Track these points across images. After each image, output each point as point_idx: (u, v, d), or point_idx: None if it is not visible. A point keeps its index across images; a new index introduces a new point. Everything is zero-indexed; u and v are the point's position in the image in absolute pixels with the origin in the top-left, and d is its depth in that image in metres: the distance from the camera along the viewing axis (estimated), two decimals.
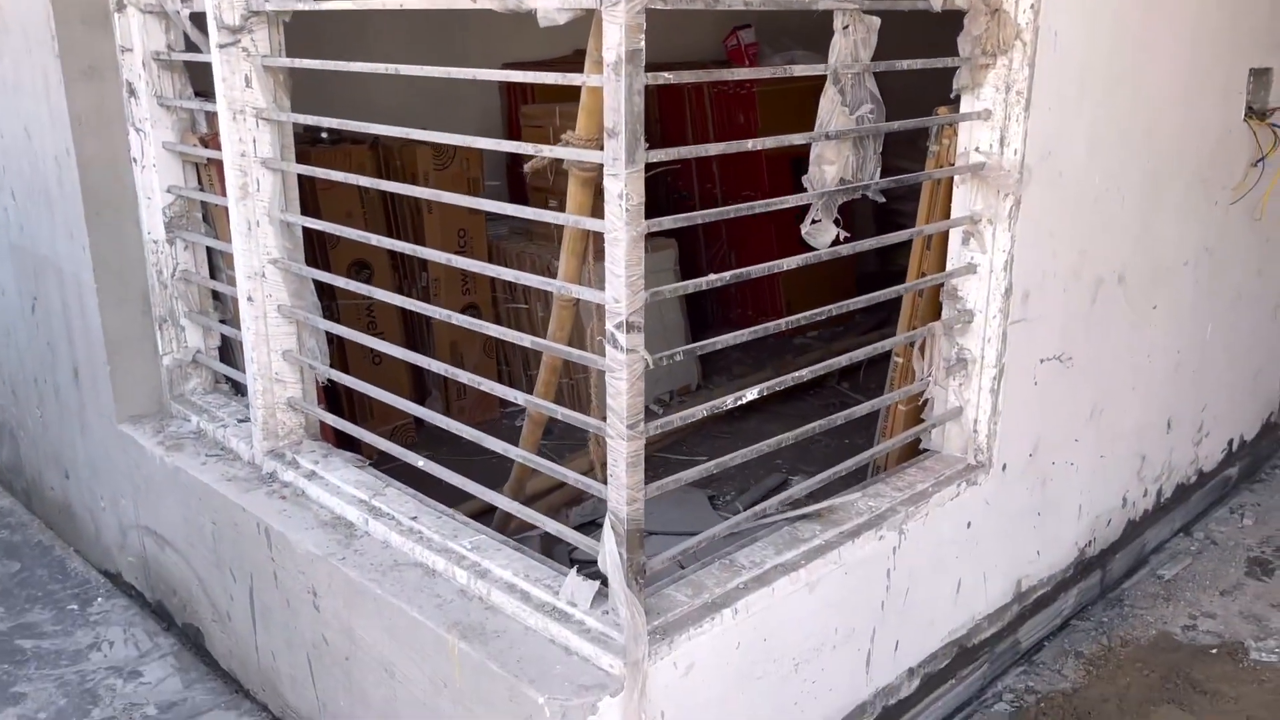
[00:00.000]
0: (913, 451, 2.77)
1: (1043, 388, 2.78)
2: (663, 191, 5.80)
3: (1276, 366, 4.21)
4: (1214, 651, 2.96)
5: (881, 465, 2.82)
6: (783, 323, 2.11)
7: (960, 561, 2.67)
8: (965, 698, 2.75)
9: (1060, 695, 2.78)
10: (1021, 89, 2.41)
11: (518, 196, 4.97)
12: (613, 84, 1.69)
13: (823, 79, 2.18)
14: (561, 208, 2.43)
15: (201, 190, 2.98)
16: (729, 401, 2.06)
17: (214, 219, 3.00)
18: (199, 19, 2.60)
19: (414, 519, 2.35)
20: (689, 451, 4.19)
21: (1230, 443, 3.93)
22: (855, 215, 2.34)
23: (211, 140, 2.81)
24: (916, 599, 2.54)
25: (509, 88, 5.30)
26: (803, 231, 2.24)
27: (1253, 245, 3.69)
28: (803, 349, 5.16)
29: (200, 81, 2.84)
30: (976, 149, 2.49)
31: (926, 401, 2.72)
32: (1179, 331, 3.38)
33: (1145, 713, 2.69)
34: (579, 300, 2.47)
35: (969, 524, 2.65)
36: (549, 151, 1.90)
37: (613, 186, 1.73)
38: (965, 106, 2.49)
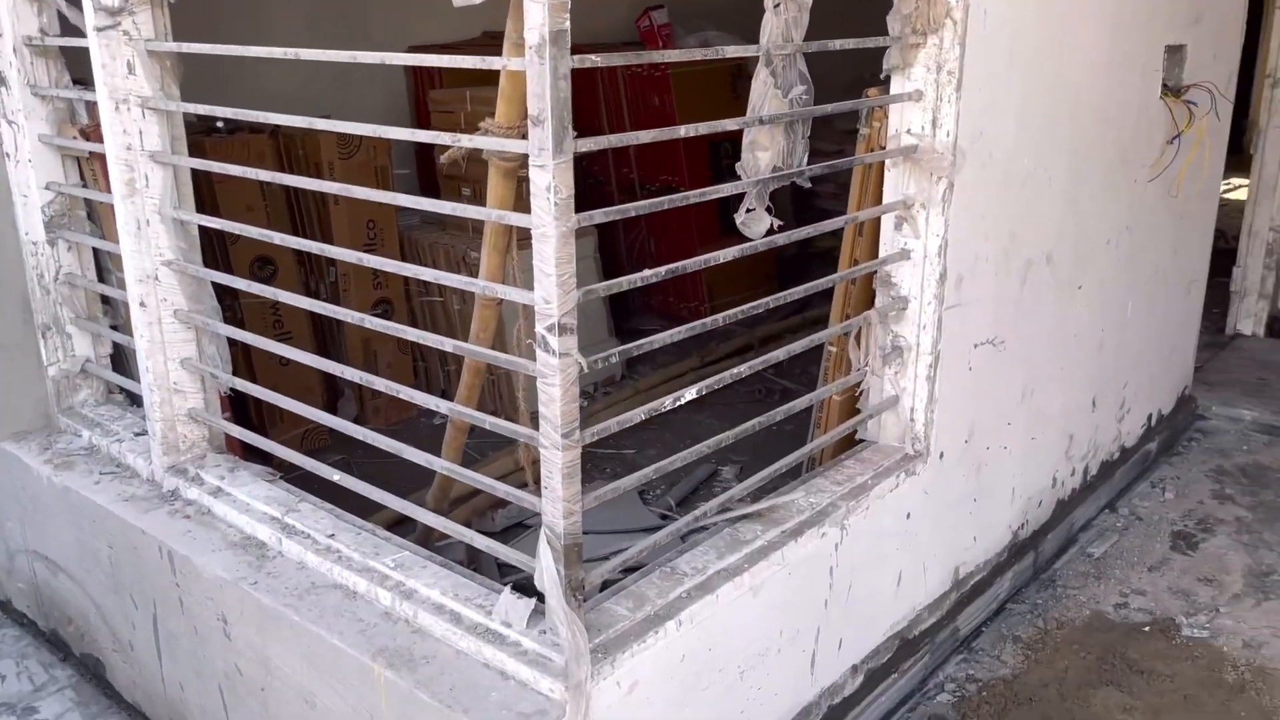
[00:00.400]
0: (848, 442, 2.71)
1: (977, 373, 2.74)
2: (578, 176, 5.65)
3: (1189, 341, 4.28)
4: (1147, 629, 2.98)
5: (817, 458, 2.75)
6: (719, 318, 2.01)
7: (901, 553, 2.61)
8: (908, 690, 2.70)
9: (1001, 682, 2.76)
10: (953, 68, 2.34)
11: (429, 184, 4.79)
12: (536, 68, 1.56)
13: (738, 61, 2.08)
14: (476, 196, 2.30)
15: (84, 187, 2.75)
16: (668, 403, 1.96)
17: (100, 218, 2.78)
18: None
19: (331, 536, 2.19)
20: (616, 444, 4.08)
21: (1150, 418, 3.98)
22: (774, 199, 2.26)
23: (93, 133, 2.59)
24: (859, 594, 2.48)
25: (416, 71, 5.09)
26: (738, 222, 2.14)
27: (1169, 223, 3.72)
28: (727, 334, 5.09)
29: (79, 69, 2.61)
30: (908, 131, 2.42)
31: (862, 391, 2.65)
32: (1103, 310, 3.38)
33: (1085, 696, 2.68)
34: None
35: (909, 515, 2.60)
36: (468, 142, 1.76)
37: (540, 179, 1.60)
38: (896, 87, 2.42)
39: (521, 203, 1.69)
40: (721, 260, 1.98)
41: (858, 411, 2.64)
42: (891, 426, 2.64)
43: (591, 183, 5.72)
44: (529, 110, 1.59)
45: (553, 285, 1.63)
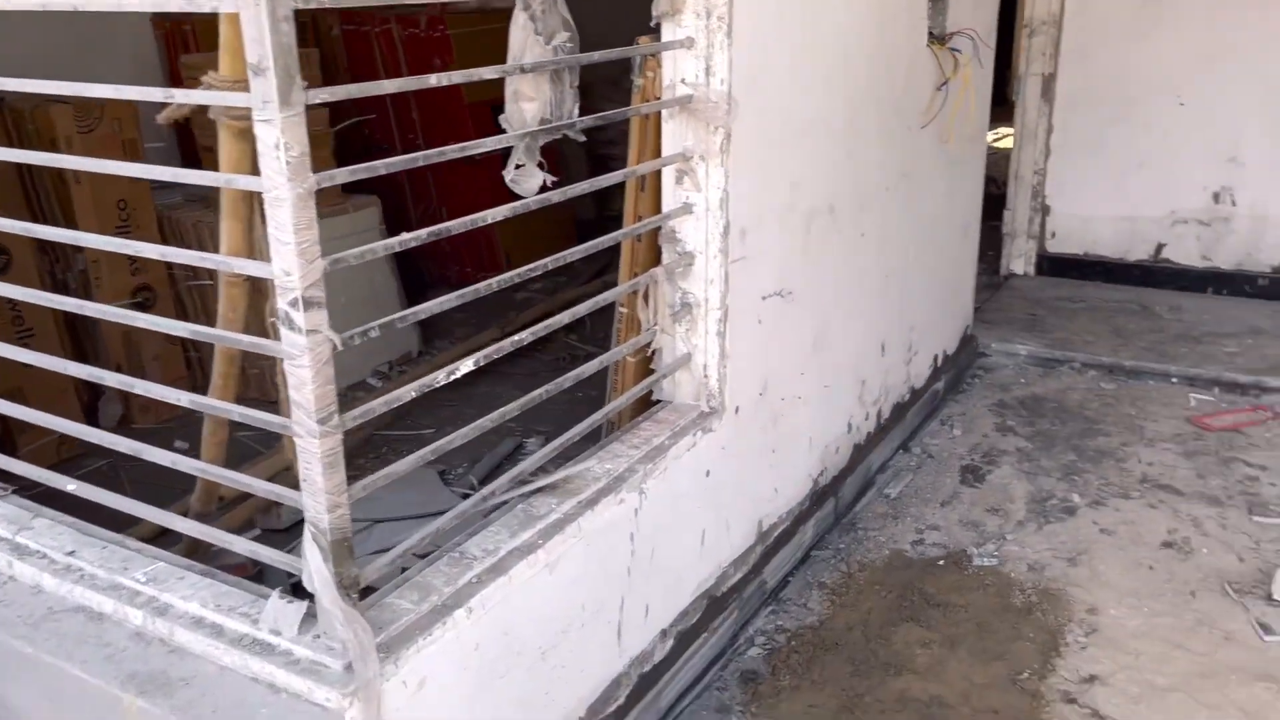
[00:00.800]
0: (645, 404, 2.64)
1: (767, 325, 2.73)
2: (359, 145, 5.38)
3: (968, 283, 4.47)
4: (941, 563, 3.08)
5: (615, 422, 2.68)
6: (493, 282, 1.88)
7: (703, 511, 2.58)
8: (719, 648, 2.69)
9: (809, 630, 2.79)
10: (723, 14, 2.28)
11: (189, 158, 4.41)
12: (252, 10, 1.37)
13: None
14: None
15: None
16: (441, 377, 1.82)
17: None
18: None
19: (71, 554, 1.94)
20: (414, 424, 3.91)
21: (936, 358, 4.13)
22: (567, 161, 2.16)
23: None
24: (662, 558, 2.43)
25: (167, 37, 4.68)
26: (507, 180, 2.01)
27: (942, 168, 3.85)
28: (526, 303, 4.97)
29: None
30: (683, 81, 2.35)
31: (655, 351, 2.59)
32: (886, 256, 3.46)
33: (887, 635, 2.74)
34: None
35: (708, 472, 2.57)
36: (183, 98, 1.55)
37: (266, 135, 1.42)
38: (667, 35, 2.34)
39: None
40: (491, 220, 1.85)
41: (652, 372, 2.58)
42: (686, 385, 2.59)
43: (375, 150, 5.45)
44: (248, 58, 1.40)
45: (292, 255, 1.46)
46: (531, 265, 1.97)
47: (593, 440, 2.43)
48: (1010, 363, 4.56)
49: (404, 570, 1.89)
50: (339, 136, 4.96)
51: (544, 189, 2.02)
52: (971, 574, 3.02)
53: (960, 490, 3.51)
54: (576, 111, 2.10)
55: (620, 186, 2.48)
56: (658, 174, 2.48)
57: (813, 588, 2.99)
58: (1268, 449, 3.68)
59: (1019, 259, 5.53)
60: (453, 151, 1.74)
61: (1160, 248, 5.21)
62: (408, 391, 1.75)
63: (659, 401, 2.63)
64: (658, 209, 2.50)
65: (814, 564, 3.10)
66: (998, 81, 5.20)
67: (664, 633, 2.49)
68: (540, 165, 2.03)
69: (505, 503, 2.12)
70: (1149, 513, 3.31)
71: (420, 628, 1.75)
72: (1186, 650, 2.65)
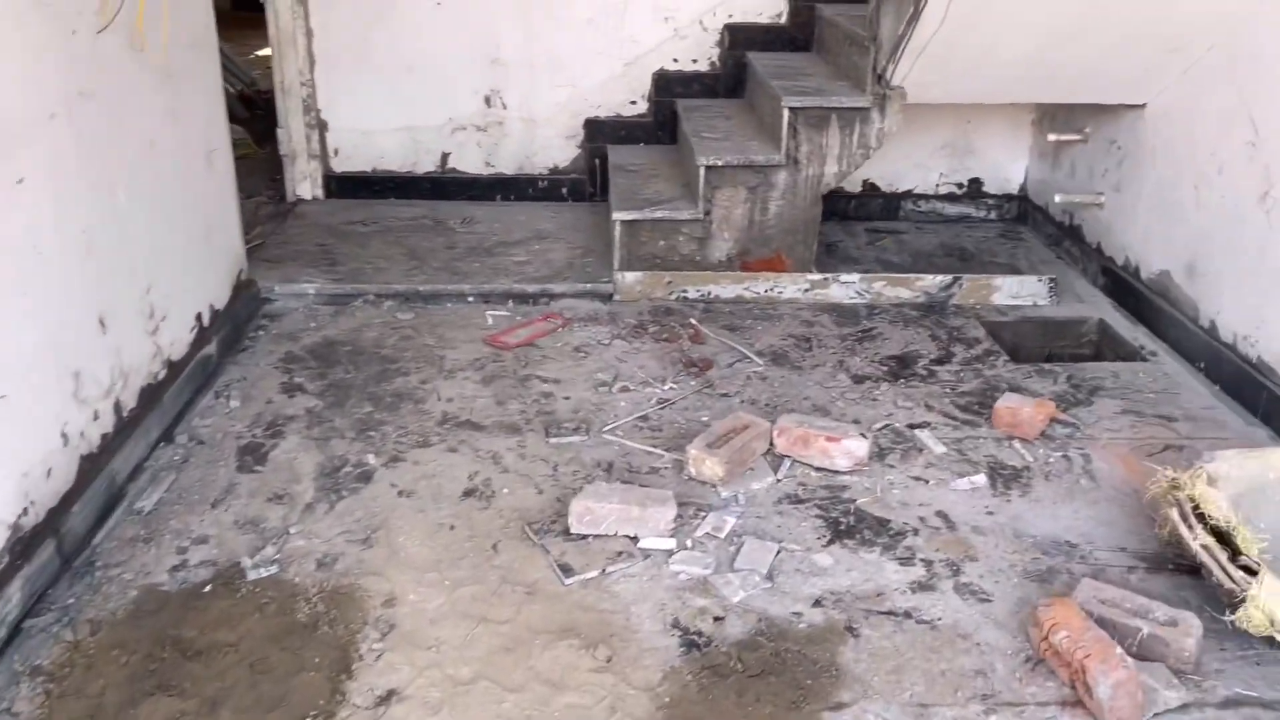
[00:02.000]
0: None
1: None
2: None
3: (231, 219, 3.76)
4: (208, 589, 2.43)
5: None
6: None
7: None
8: None
9: None
10: None
11: None
12: None
13: None
14: None
15: None
16: None
17: None
18: None
19: None
20: None
21: (199, 317, 3.40)
22: None
23: None
24: None
25: None
26: None
27: (153, 85, 3.05)
28: None
29: None
30: None
31: None
32: (75, 205, 2.60)
33: None
34: None
35: None
36: None
37: None
38: None
39: None
40: None
41: None
42: None
43: None
44: None
45: None
46: None
47: None
48: (299, 305, 3.98)
49: None
50: None
51: None
52: (246, 595, 2.41)
53: (238, 480, 2.87)
54: None
55: None
56: None
57: (23, 678, 2.15)
58: (558, 359, 3.59)
59: (304, 182, 4.94)
60: None
61: (446, 157, 4.98)
62: None
63: None
64: None
65: (28, 640, 2.26)
66: None
67: None
68: None
69: None
70: (450, 459, 2.99)
71: None
72: (489, 623, 2.34)
